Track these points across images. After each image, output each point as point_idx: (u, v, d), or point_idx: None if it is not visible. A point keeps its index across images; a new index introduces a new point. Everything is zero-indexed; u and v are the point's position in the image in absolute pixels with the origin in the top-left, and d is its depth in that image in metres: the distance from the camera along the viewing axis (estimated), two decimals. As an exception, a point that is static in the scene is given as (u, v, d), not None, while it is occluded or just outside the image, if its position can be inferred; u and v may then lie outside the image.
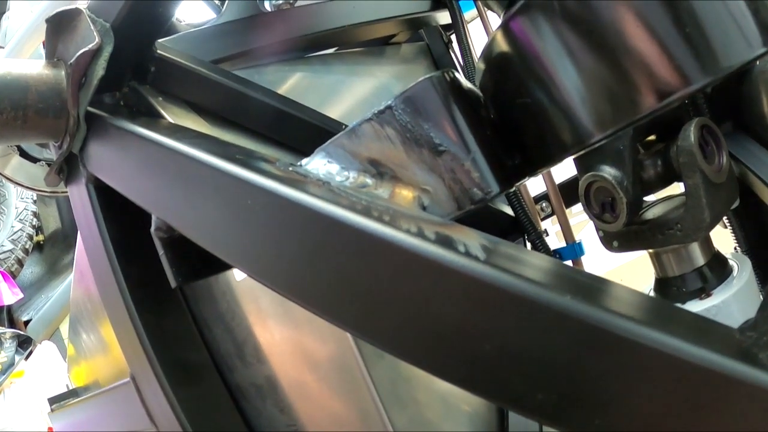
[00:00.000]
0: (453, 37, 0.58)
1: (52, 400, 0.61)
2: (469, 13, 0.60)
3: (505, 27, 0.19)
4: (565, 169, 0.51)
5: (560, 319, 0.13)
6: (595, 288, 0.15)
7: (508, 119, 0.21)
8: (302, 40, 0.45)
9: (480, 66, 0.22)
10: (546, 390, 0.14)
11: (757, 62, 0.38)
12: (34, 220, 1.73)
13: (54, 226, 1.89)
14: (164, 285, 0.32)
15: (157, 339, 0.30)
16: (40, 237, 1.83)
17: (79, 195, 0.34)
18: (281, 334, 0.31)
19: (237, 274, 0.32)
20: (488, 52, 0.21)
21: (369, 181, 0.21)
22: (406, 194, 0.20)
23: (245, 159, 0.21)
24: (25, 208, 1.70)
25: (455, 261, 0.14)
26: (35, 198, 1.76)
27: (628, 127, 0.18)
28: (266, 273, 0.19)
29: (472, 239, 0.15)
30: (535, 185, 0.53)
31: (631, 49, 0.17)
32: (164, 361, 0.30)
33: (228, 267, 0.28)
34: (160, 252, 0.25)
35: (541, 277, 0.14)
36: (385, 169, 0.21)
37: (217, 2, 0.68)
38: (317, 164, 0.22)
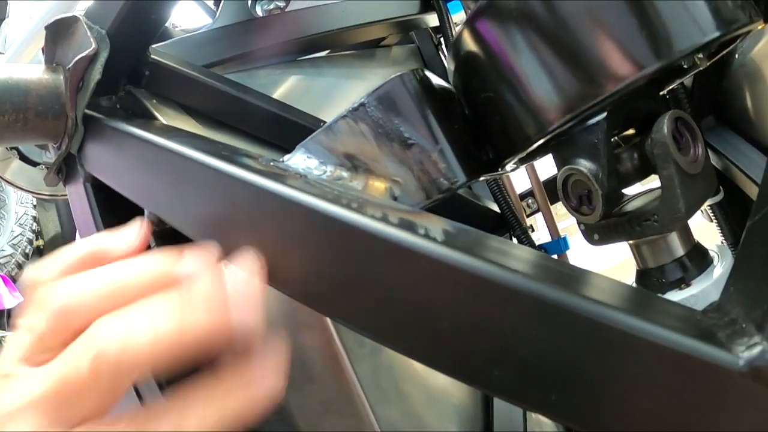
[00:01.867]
0: (443, 39, 0.59)
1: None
2: (458, 16, 0.62)
3: (468, 24, 0.21)
4: (550, 166, 0.52)
5: (510, 296, 0.14)
6: (551, 268, 0.16)
7: (477, 113, 0.22)
8: (293, 44, 0.46)
9: (449, 64, 0.23)
10: (502, 366, 0.15)
11: (737, 56, 0.39)
12: (34, 224, 1.75)
13: (54, 231, 1.91)
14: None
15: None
16: (40, 242, 1.85)
17: (77, 194, 0.35)
18: (266, 322, 0.32)
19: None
20: (455, 50, 0.22)
21: (344, 174, 0.22)
22: (378, 185, 0.21)
23: (229, 155, 0.22)
24: (25, 213, 1.72)
25: (413, 242, 0.15)
26: (35, 203, 1.78)
27: (586, 112, 0.19)
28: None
29: (435, 224, 0.17)
30: (521, 182, 0.54)
31: (582, 38, 0.18)
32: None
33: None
34: (152, 244, 0.26)
35: (496, 257, 0.15)
36: (359, 162, 0.22)
37: (212, 7, 0.70)
38: (297, 160, 0.24)
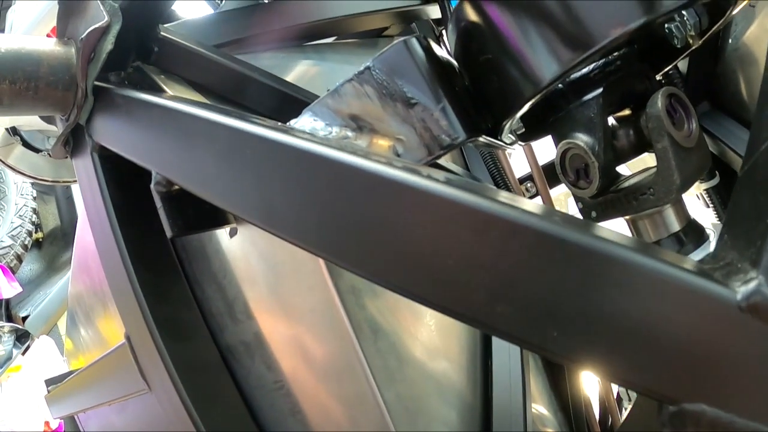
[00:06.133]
0: (444, 31, 0.61)
1: (49, 382, 0.62)
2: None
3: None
4: (549, 151, 0.53)
5: (513, 230, 0.15)
6: (552, 210, 0.17)
7: (476, 79, 0.23)
8: (298, 29, 0.47)
9: (450, 35, 0.24)
10: (504, 301, 0.15)
11: (730, 40, 0.40)
12: (34, 216, 1.75)
13: (53, 224, 1.91)
14: (161, 245, 0.33)
15: (152, 297, 0.32)
16: (39, 234, 1.84)
17: (83, 165, 0.35)
18: (269, 289, 0.32)
19: (229, 231, 0.33)
20: (456, 19, 0.23)
21: (350, 134, 0.23)
22: (382, 143, 0.22)
23: (239, 114, 0.22)
24: (24, 205, 1.72)
25: (417, 182, 0.16)
26: (35, 195, 1.78)
27: (578, 66, 0.20)
28: (253, 211, 0.20)
29: (437, 171, 0.17)
30: (520, 166, 0.55)
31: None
32: (158, 319, 0.31)
33: (219, 224, 0.30)
34: (159, 205, 0.27)
35: (498, 197, 0.16)
36: (364, 123, 0.23)
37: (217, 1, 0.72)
38: (304, 122, 0.24)
